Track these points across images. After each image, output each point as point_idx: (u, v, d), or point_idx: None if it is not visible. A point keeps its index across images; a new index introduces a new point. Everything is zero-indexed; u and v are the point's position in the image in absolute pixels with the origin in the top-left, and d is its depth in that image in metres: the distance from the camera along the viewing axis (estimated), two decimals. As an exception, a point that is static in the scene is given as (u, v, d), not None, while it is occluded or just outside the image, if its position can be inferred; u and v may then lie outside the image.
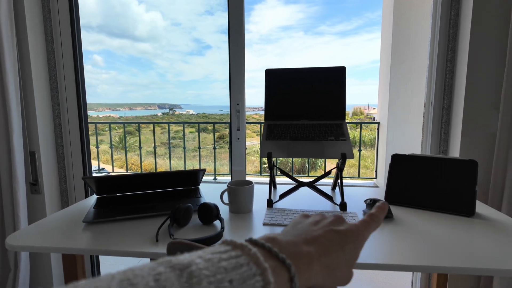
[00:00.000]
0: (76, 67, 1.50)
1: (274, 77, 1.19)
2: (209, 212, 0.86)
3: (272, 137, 1.09)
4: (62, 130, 1.52)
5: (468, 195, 0.94)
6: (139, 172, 1.04)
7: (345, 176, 3.30)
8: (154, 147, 3.41)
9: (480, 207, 1.00)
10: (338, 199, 1.08)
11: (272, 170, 1.05)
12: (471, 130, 1.21)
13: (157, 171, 1.04)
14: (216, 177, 3.16)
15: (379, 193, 1.16)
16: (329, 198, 1.00)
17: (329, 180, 1.21)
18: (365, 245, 0.74)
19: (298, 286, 0.26)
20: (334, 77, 1.15)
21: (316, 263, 0.28)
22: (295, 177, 1.07)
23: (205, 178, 3.37)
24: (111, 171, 3.48)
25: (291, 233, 0.30)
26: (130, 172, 3.47)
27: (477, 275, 1.27)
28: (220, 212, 0.90)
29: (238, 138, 1.47)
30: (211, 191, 1.19)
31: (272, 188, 1.08)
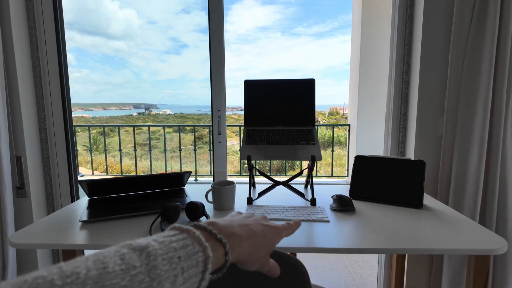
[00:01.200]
0: (61, 73, 1.55)
1: (253, 87, 1.31)
2: (196, 210, 0.97)
3: (251, 141, 1.22)
4: (47, 135, 1.57)
5: (417, 190, 1.11)
6: (126, 175, 1.13)
7: (321, 175, 3.53)
8: (135, 150, 3.44)
9: (429, 201, 1.18)
10: (309, 196, 1.23)
11: (251, 171, 1.18)
12: (422, 133, 1.40)
13: (140, 174, 1.14)
14: (197, 178, 3.25)
15: (345, 190, 1.31)
16: (301, 195, 1.14)
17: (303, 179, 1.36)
18: (336, 233, 0.89)
19: (231, 259, 0.34)
20: (305, 88, 1.30)
21: (245, 242, 0.37)
22: (273, 176, 1.21)
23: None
24: (91, 174, 3.47)
25: (228, 220, 0.39)
26: (112, 175, 3.47)
27: (429, 255, 1.46)
28: (206, 210, 1.02)
29: (220, 142, 1.59)
30: (195, 191, 1.30)
31: (252, 187, 1.21)
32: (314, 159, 1.11)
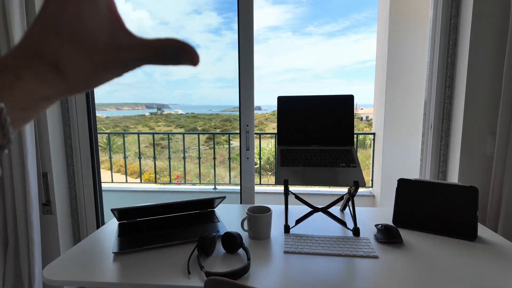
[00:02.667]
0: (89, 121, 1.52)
1: (286, 104, 1.25)
2: (233, 241, 0.91)
3: (286, 163, 1.15)
4: (73, 150, 1.54)
5: (470, 220, 1.02)
6: (158, 203, 1.09)
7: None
8: (154, 157, 3.42)
9: (482, 231, 1.08)
10: (348, 220, 1.15)
11: (287, 196, 1.11)
12: (468, 153, 1.30)
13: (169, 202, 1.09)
14: (216, 187, 3.20)
15: (385, 215, 1.23)
16: (343, 223, 1.07)
17: (336, 190, 1.28)
18: (387, 272, 0.81)
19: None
20: (343, 105, 1.22)
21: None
22: (306, 194, 1.14)
23: (204, 187, 3.42)
24: (110, 182, 3.46)
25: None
26: (142, 188, 3.45)
27: None
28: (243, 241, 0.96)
29: (248, 158, 1.52)
30: (224, 213, 1.24)
31: (286, 210, 1.14)
32: (357, 185, 1.04)
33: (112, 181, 3.38)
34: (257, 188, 3.06)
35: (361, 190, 3.15)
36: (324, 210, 1.09)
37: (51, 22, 0.20)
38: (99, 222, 1.62)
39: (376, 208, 1.32)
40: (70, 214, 1.57)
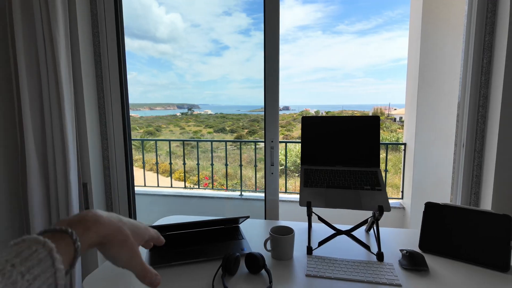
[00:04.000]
0: (122, 104, 1.62)
1: (310, 124, 1.26)
2: (256, 263, 0.95)
3: (309, 183, 1.17)
4: (109, 162, 1.66)
5: (503, 250, 0.98)
6: (190, 221, 1.17)
7: None
8: (184, 163, 3.55)
9: (513, 259, 1.03)
10: (373, 242, 1.15)
11: (310, 217, 1.13)
12: (503, 176, 1.24)
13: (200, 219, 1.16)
14: (242, 193, 3.26)
15: (412, 238, 1.20)
16: (366, 247, 1.07)
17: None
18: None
19: (81, 245, 0.37)
20: (368, 126, 1.21)
21: (97, 225, 0.40)
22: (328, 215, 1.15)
23: (230, 193, 3.49)
24: (143, 185, 3.63)
25: (79, 214, 0.41)
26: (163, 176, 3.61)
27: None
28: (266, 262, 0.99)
29: (272, 173, 1.55)
30: (249, 230, 1.28)
31: (309, 229, 1.16)
32: (382, 210, 1.03)
33: (145, 185, 3.54)
34: (282, 196, 3.08)
35: (390, 201, 3.07)
36: (348, 233, 1.10)
37: (107, 234, 0.41)
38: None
39: (403, 230, 1.30)
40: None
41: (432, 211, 1.11)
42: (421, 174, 2.54)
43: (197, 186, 4.17)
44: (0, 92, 1.42)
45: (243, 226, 1.30)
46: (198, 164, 3.52)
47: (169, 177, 3.70)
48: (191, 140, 9.30)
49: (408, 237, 1.22)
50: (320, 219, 1.16)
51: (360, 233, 1.23)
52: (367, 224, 1.22)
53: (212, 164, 3.48)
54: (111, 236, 0.41)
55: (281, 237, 1.03)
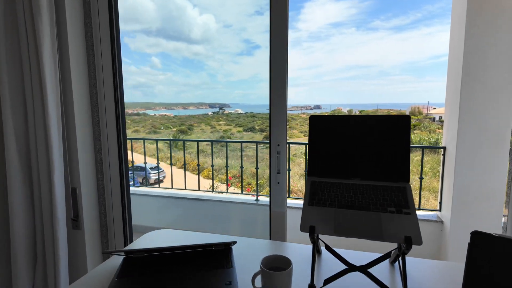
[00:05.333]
0: (116, 102, 1.48)
1: (320, 125, 1.01)
2: (237, 307, 0.73)
3: (316, 201, 0.92)
4: (103, 165, 1.52)
5: None
6: (168, 247, 0.97)
7: None
8: (212, 166, 3.40)
9: None
10: (397, 280, 0.88)
11: (315, 245, 0.88)
12: None
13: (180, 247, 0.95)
14: (258, 199, 3.04)
15: (454, 275, 0.92)
16: (387, 290, 0.80)
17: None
18: None
19: None
20: (395, 128, 0.94)
21: None
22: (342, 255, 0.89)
23: (246, 198, 3.28)
24: (170, 188, 3.52)
25: None
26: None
27: None
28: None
29: (278, 182, 1.32)
30: (245, 251, 1.05)
31: (314, 261, 0.91)
32: (410, 243, 0.76)
33: (159, 186, 3.44)
34: (291, 203, 2.81)
35: (426, 213, 2.69)
36: (364, 270, 0.84)
37: None
38: (127, 239, 1.57)
39: (441, 264, 1.01)
40: (99, 229, 1.55)
41: (481, 243, 0.82)
42: (464, 183, 2.16)
43: (222, 186, 4.02)
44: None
45: (240, 247, 1.08)
46: (226, 166, 3.35)
47: (197, 175, 3.58)
48: (219, 140, 9.31)
49: (448, 273, 0.93)
50: (328, 248, 0.91)
51: (380, 266, 0.96)
52: (391, 256, 0.95)
53: (226, 166, 3.30)
54: None
55: (273, 273, 0.80)
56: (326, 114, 1.02)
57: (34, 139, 1.30)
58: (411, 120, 0.97)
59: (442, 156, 2.46)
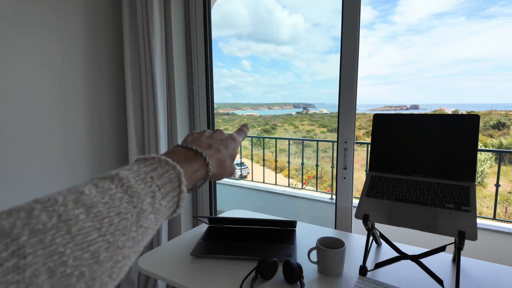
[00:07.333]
0: (208, 103, 1.77)
1: (384, 123, 1.06)
2: (291, 273, 0.87)
3: (374, 193, 0.99)
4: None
5: None
6: (245, 217, 1.19)
7: (478, 215, 2.52)
8: (288, 162, 3.60)
9: None
10: (452, 277, 0.88)
11: (369, 232, 0.95)
12: None
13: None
14: (333, 197, 3.06)
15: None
16: (438, 281, 0.82)
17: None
18: None
19: (211, 169, 0.41)
20: (463, 127, 0.93)
21: (213, 159, 0.42)
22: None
23: (320, 196, 3.33)
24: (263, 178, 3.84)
25: (197, 143, 0.43)
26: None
27: None
28: (306, 272, 0.90)
29: (345, 178, 1.39)
30: (308, 234, 1.18)
31: (368, 248, 0.98)
32: (463, 237, 0.78)
33: (263, 181, 3.77)
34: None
35: (508, 225, 2.28)
36: (415, 259, 0.87)
37: (220, 164, 0.44)
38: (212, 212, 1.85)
39: (504, 268, 0.94)
40: (191, 208, 1.88)
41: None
42: None
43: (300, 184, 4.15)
44: (113, 92, 1.77)
45: (304, 231, 1.21)
46: (302, 164, 3.49)
47: (279, 173, 3.81)
48: (295, 139, 9.40)
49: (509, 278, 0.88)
50: (382, 236, 0.96)
51: (437, 261, 0.96)
52: (453, 251, 0.95)
53: (302, 165, 3.39)
54: (223, 170, 0.45)
55: (327, 250, 0.91)
56: (391, 113, 1.07)
57: (147, 133, 1.68)
58: None
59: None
